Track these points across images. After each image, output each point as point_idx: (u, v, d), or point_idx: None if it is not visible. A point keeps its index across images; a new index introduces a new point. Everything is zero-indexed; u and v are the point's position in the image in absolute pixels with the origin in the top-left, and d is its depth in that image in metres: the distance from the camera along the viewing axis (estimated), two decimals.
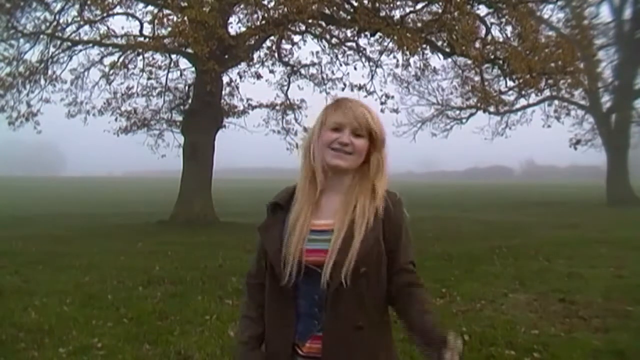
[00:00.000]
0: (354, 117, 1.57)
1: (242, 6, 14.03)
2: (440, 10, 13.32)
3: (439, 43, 14.64)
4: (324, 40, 16.05)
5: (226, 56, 13.96)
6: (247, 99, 17.04)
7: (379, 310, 1.60)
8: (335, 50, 16.35)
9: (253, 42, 14.42)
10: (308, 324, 1.57)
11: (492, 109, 22.05)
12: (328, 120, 1.60)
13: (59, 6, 14.24)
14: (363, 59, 16.32)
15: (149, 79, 15.94)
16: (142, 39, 14.14)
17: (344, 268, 1.51)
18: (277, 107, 17.34)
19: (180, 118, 16.33)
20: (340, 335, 1.53)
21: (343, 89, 16.53)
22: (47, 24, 14.16)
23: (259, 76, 16.17)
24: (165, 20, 12.76)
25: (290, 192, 1.66)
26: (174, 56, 15.49)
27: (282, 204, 1.64)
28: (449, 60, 16.81)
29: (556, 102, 23.01)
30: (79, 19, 14.08)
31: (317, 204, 1.61)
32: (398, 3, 13.72)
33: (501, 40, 14.63)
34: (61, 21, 14.29)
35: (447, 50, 14.38)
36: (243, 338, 1.66)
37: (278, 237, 1.59)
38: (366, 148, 1.59)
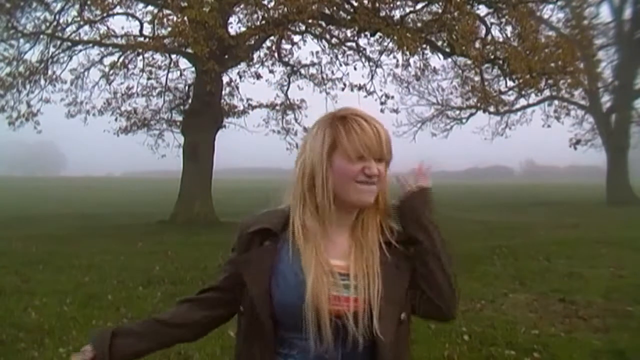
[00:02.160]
0: (377, 142, 1.28)
1: (242, 6, 14.03)
2: (440, 10, 13.33)
3: (439, 43, 14.64)
4: (324, 40, 16.05)
5: (226, 56, 13.96)
6: (247, 99, 17.05)
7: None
8: (335, 50, 16.35)
9: (253, 42, 14.42)
10: None
11: (492, 109, 22.06)
12: (346, 146, 1.27)
13: (59, 6, 14.26)
14: (363, 59, 16.32)
15: (149, 79, 15.96)
16: (142, 39, 14.14)
17: (386, 318, 1.25)
18: (277, 107, 17.34)
19: (180, 118, 16.32)
20: None
21: (343, 89, 16.54)
22: (47, 24, 14.16)
23: (258, 76, 16.17)
24: (165, 20, 12.76)
25: (279, 218, 1.34)
26: (174, 56, 15.49)
27: (276, 231, 1.32)
28: (449, 60, 16.81)
29: (556, 102, 23.01)
30: (79, 19, 14.08)
31: (329, 240, 1.32)
32: (398, 3, 13.73)
33: (501, 40, 14.63)
34: (61, 21, 14.29)
35: (447, 50, 14.38)
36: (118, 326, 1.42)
37: (267, 274, 1.29)
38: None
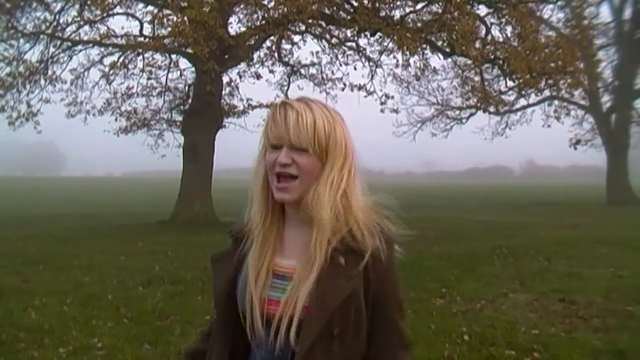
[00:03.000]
0: (289, 128, 1.19)
1: (242, 6, 14.04)
2: (440, 10, 13.33)
3: (439, 43, 14.65)
4: (324, 40, 16.05)
5: (226, 56, 13.96)
6: (247, 99, 17.06)
7: None
8: (335, 50, 16.36)
9: (253, 42, 14.42)
10: None
11: (492, 109, 22.07)
12: (266, 137, 1.25)
13: (59, 6, 14.26)
14: (363, 59, 16.33)
15: (149, 79, 15.96)
16: (142, 39, 14.14)
17: (311, 328, 1.15)
18: None
19: (180, 118, 16.33)
20: None
21: (343, 89, 16.55)
22: (47, 24, 14.16)
23: (258, 76, 16.17)
24: (165, 20, 12.76)
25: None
26: (174, 56, 15.49)
27: (237, 233, 1.33)
28: (449, 60, 16.82)
29: (556, 102, 23.04)
30: (79, 19, 14.08)
31: (281, 238, 1.28)
32: (398, 3, 13.73)
33: (501, 40, 14.64)
34: (61, 21, 14.30)
35: (447, 50, 14.38)
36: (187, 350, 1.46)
37: (229, 279, 1.28)
38: (318, 166, 1.21)
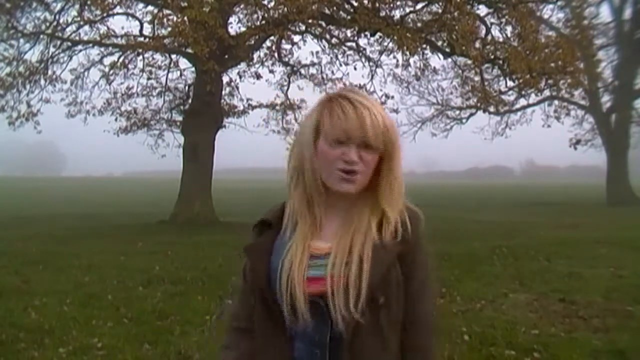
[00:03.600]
0: (358, 128, 1.24)
1: (242, 6, 14.04)
2: (440, 10, 13.33)
3: (439, 43, 14.64)
4: (324, 40, 16.06)
5: (226, 56, 13.96)
6: (247, 99, 17.06)
7: (399, 349, 1.30)
8: (335, 50, 16.36)
9: (253, 42, 14.41)
10: None
11: (492, 109, 22.06)
12: (327, 129, 1.26)
13: (59, 6, 14.26)
14: (363, 59, 16.33)
15: (149, 79, 15.96)
16: (142, 39, 14.14)
17: (359, 298, 1.21)
18: (277, 107, 17.34)
19: (180, 118, 16.33)
20: None
21: None
22: (47, 24, 14.16)
23: (258, 76, 16.18)
24: (165, 20, 12.76)
25: (277, 209, 1.37)
26: (174, 56, 15.49)
27: (273, 221, 1.35)
28: (449, 60, 16.82)
29: (556, 102, 23.03)
30: (79, 19, 14.08)
31: (319, 225, 1.32)
32: (398, 3, 13.73)
33: (501, 40, 14.63)
34: (61, 21, 14.29)
35: (447, 50, 14.38)
36: None
37: (267, 265, 1.30)
38: (377, 161, 1.28)
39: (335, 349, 1.25)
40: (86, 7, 13.69)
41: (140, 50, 14.09)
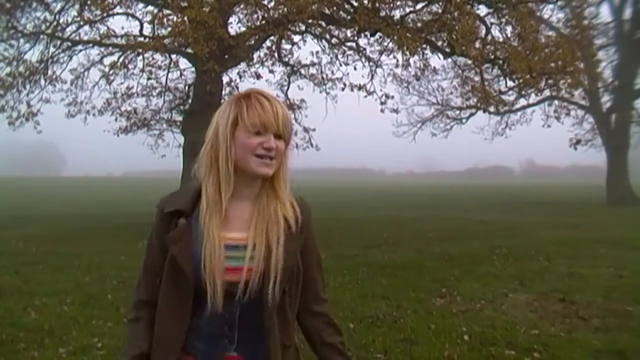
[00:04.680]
0: (273, 120, 1.41)
1: (242, 6, 14.03)
2: (440, 10, 13.31)
3: (439, 43, 14.63)
4: (324, 40, 16.04)
5: (226, 56, 13.94)
6: None
7: (295, 329, 1.53)
8: (335, 50, 16.34)
9: (253, 42, 14.40)
10: (216, 343, 1.43)
11: (492, 109, 22.05)
12: (247, 121, 1.41)
13: (59, 6, 14.24)
14: (363, 59, 16.31)
15: (149, 79, 15.94)
16: (142, 39, 14.12)
17: (272, 287, 1.39)
18: None
19: (180, 118, 16.32)
20: (274, 354, 1.42)
21: (343, 89, 16.51)
22: (47, 24, 14.15)
23: (258, 76, 16.16)
24: (165, 20, 12.74)
25: (189, 197, 1.47)
26: (174, 56, 15.48)
27: (186, 211, 1.45)
28: (449, 60, 16.80)
29: (556, 102, 23.00)
30: (79, 19, 14.07)
31: (224, 213, 1.44)
32: (398, 3, 13.70)
33: (501, 40, 14.62)
34: (61, 21, 14.28)
35: (447, 50, 14.37)
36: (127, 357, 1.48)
37: (190, 252, 1.41)
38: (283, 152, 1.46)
39: (243, 327, 1.43)
40: (86, 7, 13.68)
41: (140, 50, 14.08)
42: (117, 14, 14.65)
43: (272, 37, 14.73)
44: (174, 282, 1.43)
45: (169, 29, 12.78)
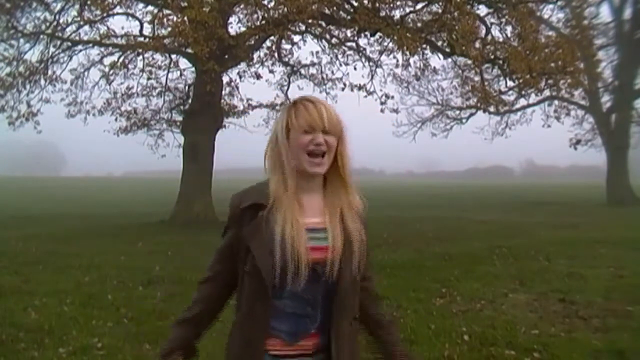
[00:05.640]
0: (319, 118, 1.58)
1: (242, 6, 14.03)
2: (440, 10, 13.32)
3: (439, 43, 14.64)
4: (324, 40, 16.05)
5: (226, 56, 13.95)
6: (247, 99, 17.06)
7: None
8: (335, 50, 16.35)
9: (253, 42, 14.41)
10: (299, 323, 1.58)
11: (492, 109, 22.06)
12: (296, 123, 1.60)
13: (59, 6, 14.25)
14: (363, 59, 16.32)
15: (149, 79, 15.95)
16: (142, 39, 14.13)
17: (354, 264, 1.58)
18: (277, 107, 17.34)
19: (180, 118, 16.32)
20: (345, 329, 1.60)
21: (343, 89, 16.54)
22: (47, 24, 14.16)
23: (258, 76, 16.17)
24: (165, 20, 12.75)
25: (264, 191, 1.62)
26: (174, 56, 15.49)
27: (265, 204, 1.60)
28: (449, 60, 16.81)
29: (556, 102, 23.02)
30: (79, 19, 14.08)
31: (299, 202, 1.61)
32: (398, 3, 13.72)
33: (501, 40, 14.62)
34: (61, 21, 14.29)
35: (447, 50, 14.37)
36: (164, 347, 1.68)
37: (268, 239, 1.55)
38: (336, 145, 1.62)
39: (324, 305, 1.58)
40: (86, 7, 13.68)
41: (140, 50, 14.09)
42: (117, 14, 14.66)
43: (272, 37, 14.74)
44: (256, 268, 1.56)
45: (169, 29, 12.79)
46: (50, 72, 15.01)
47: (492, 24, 14.69)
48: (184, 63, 15.77)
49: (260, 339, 1.57)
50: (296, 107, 1.62)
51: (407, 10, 14.00)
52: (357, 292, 1.64)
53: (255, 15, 13.67)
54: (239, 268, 1.63)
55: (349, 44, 16.18)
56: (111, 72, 15.37)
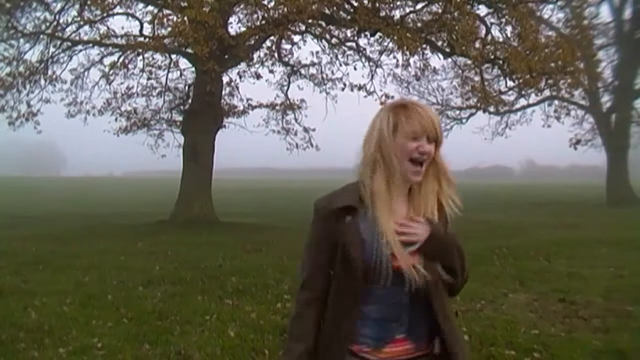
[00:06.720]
0: (431, 125, 1.58)
1: (242, 6, 14.03)
2: (440, 10, 13.32)
3: (439, 43, 14.63)
4: (324, 40, 16.04)
5: (226, 56, 13.95)
6: (247, 99, 17.07)
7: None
8: (335, 50, 16.34)
9: (253, 42, 14.41)
10: (385, 328, 1.57)
11: (492, 109, 22.05)
12: (406, 128, 1.58)
13: (59, 6, 14.25)
14: (363, 59, 16.31)
15: (149, 79, 15.96)
16: (142, 39, 14.13)
17: (438, 268, 1.59)
18: (277, 107, 17.35)
19: (180, 118, 16.33)
20: (451, 326, 1.62)
21: (343, 89, 16.53)
22: (47, 24, 14.15)
23: (258, 76, 16.16)
24: (165, 20, 12.76)
25: (354, 194, 1.62)
26: (174, 56, 15.49)
27: (356, 206, 1.61)
28: (449, 60, 16.81)
29: (556, 102, 23.01)
30: (79, 19, 14.08)
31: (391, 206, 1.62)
32: (398, 3, 13.72)
33: (501, 40, 14.62)
34: (61, 21, 14.29)
35: (447, 50, 14.37)
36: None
37: (362, 242, 1.56)
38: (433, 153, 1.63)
39: (413, 309, 1.58)
40: (86, 7, 13.68)
41: (140, 50, 14.09)
42: (117, 14, 14.66)
43: (272, 37, 14.74)
44: (347, 273, 1.57)
45: (169, 29, 12.79)
46: (50, 72, 15.01)
47: (492, 24, 14.69)
48: (184, 63, 15.80)
49: (346, 343, 1.57)
50: (407, 110, 1.60)
51: (407, 10, 14.01)
52: (444, 291, 1.63)
53: (255, 15, 13.68)
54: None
55: (349, 44, 16.18)
56: (111, 72, 15.37)
